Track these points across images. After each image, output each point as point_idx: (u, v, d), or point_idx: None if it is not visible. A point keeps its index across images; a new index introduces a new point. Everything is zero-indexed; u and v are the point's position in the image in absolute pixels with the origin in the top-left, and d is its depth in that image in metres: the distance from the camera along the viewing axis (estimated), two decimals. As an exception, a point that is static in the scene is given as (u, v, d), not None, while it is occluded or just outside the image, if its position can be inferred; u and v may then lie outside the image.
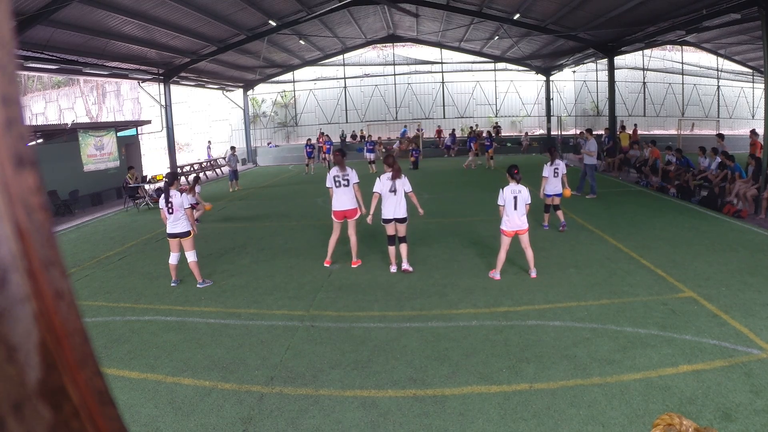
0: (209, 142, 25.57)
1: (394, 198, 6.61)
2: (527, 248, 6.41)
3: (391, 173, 6.60)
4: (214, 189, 17.55)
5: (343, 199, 7.03)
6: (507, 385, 3.99)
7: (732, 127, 25.54)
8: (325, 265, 7.29)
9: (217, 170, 22.77)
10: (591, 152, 12.27)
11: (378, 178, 6.70)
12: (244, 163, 26.58)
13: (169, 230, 6.57)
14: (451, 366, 4.33)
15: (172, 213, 6.47)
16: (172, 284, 6.80)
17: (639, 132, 23.35)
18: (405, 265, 6.84)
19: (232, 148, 17.65)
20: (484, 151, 19.39)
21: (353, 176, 7.09)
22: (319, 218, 10.86)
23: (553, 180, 8.73)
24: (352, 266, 7.21)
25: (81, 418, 0.32)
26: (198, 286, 6.69)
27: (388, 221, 6.72)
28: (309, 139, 21.70)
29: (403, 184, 6.64)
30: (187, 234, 6.56)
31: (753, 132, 15.82)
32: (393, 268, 6.88)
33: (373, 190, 6.71)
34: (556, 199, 8.86)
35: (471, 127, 26.07)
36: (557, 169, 8.74)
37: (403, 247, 6.85)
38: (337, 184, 7.01)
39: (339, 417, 3.67)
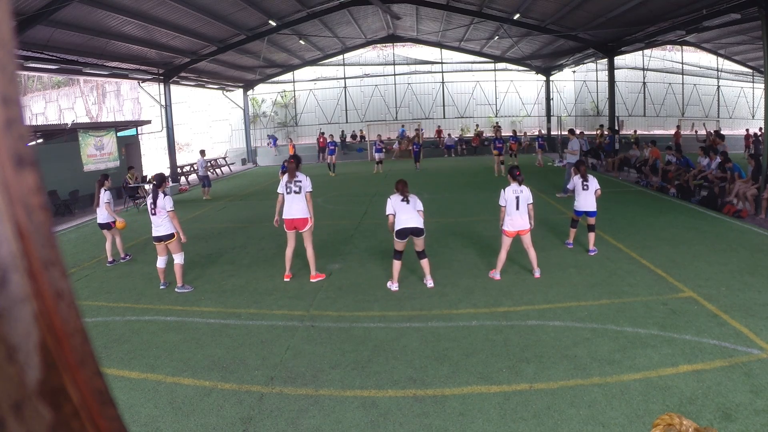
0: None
1: (407, 207, 6.07)
2: (530, 248, 6.40)
3: (400, 195, 6.11)
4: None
5: (293, 208, 6.60)
6: (507, 385, 3.99)
7: (732, 127, 25.54)
8: (285, 279, 6.78)
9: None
10: (574, 151, 12.84)
11: (389, 198, 6.20)
12: (244, 163, 26.54)
13: (153, 233, 6.51)
14: (451, 366, 4.33)
15: (155, 214, 6.39)
16: (161, 287, 6.72)
17: (639, 132, 23.34)
18: (429, 282, 6.35)
19: (201, 152, 16.45)
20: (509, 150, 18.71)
21: (306, 184, 6.63)
22: (319, 218, 10.84)
23: (583, 193, 7.36)
24: (311, 281, 6.69)
25: (81, 418, 0.32)
26: (176, 290, 6.56)
27: (402, 234, 6.11)
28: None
29: (415, 202, 6.12)
30: (170, 237, 6.45)
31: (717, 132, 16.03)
32: (394, 286, 6.27)
33: (387, 213, 6.15)
34: (590, 219, 7.40)
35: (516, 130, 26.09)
36: (587, 183, 7.38)
37: (425, 263, 6.33)
38: (288, 190, 6.65)
39: (339, 417, 3.67)
